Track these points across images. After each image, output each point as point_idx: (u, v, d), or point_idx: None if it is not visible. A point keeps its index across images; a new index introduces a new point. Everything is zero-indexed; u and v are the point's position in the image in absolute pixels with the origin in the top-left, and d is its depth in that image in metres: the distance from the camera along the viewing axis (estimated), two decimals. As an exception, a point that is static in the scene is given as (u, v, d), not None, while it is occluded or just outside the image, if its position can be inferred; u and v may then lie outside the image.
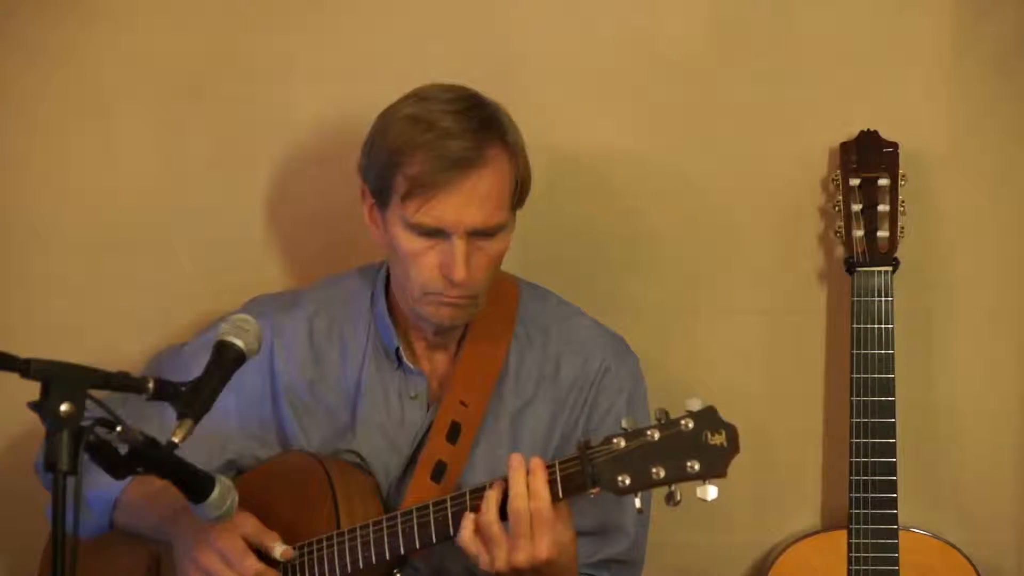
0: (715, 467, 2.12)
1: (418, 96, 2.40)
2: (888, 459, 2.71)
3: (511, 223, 2.41)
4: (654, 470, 2.12)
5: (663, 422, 2.13)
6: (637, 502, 2.14)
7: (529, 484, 2.20)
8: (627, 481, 2.13)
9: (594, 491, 2.16)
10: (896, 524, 2.72)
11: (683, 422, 2.13)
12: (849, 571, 2.74)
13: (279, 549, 2.36)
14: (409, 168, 2.33)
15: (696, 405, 2.14)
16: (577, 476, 2.18)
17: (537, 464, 2.21)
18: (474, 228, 2.34)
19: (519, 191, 2.41)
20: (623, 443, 2.14)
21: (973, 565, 2.79)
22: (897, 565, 2.72)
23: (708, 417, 2.13)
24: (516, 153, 2.39)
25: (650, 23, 2.85)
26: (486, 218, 2.34)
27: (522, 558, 2.20)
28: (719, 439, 2.13)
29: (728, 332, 2.90)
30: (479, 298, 2.41)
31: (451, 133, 2.33)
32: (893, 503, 2.71)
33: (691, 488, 2.13)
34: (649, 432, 2.13)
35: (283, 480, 2.48)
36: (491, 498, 2.22)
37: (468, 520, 2.23)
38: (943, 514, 2.88)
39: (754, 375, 2.92)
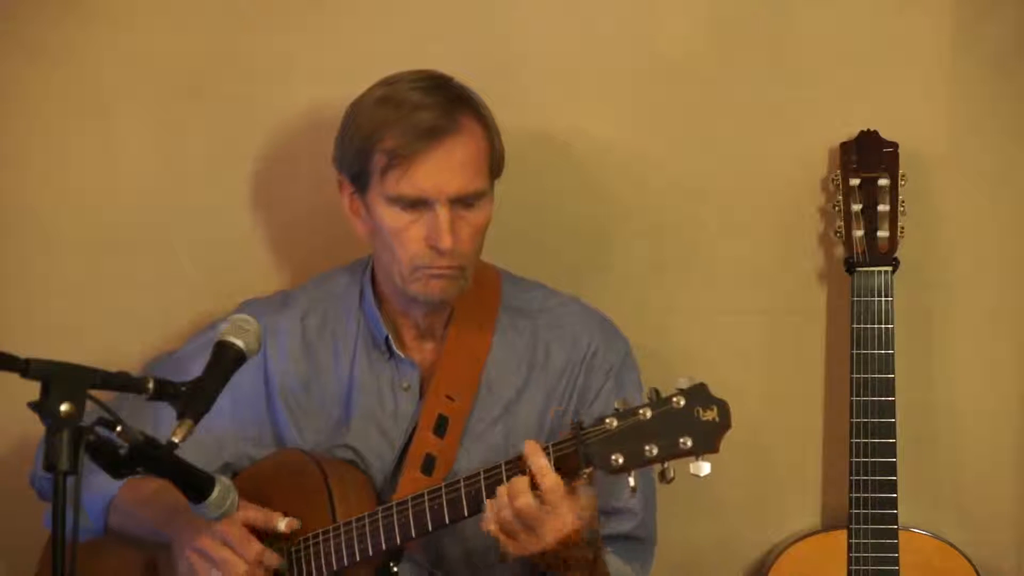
0: (708, 443, 2.13)
1: (384, 82, 2.46)
2: (888, 459, 2.71)
3: (490, 192, 2.45)
4: (647, 448, 2.13)
5: (655, 401, 2.14)
6: (631, 480, 2.15)
7: (532, 464, 2.19)
8: (620, 460, 2.14)
9: (588, 471, 2.17)
10: (896, 524, 2.72)
11: (674, 400, 2.13)
12: (849, 571, 2.74)
13: (283, 523, 2.39)
14: (385, 143, 2.38)
15: (686, 383, 2.14)
16: (571, 457, 2.18)
17: (532, 445, 2.21)
18: (455, 194, 2.38)
19: (495, 160, 2.45)
20: (615, 423, 2.14)
21: (973, 565, 2.79)
22: (897, 565, 2.72)
23: (699, 394, 2.14)
24: (488, 123, 2.44)
25: (650, 23, 2.85)
26: (465, 184, 2.38)
27: (551, 538, 2.20)
28: (711, 415, 2.13)
29: (728, 332, 2.90)
30: (467, 270, 2.43)
31: (422, 105, 2.39)
32: (893, 503, 2.71)
33: (684, 465, 2.13)
34: (641, 411, 2.14)
35: (278, 478, 2.49)
36: (502, 493, 2.21)
37: (489, 513, 2.22)
38: (943, 514, 2.88)
39: (754, 375, 2.91)
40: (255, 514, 2.40)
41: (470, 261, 2.43)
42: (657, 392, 2.15)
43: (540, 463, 2.19)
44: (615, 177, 2.88)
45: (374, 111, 2.41)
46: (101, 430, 1.92)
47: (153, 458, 2.01)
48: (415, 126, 2.37)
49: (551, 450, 2.21)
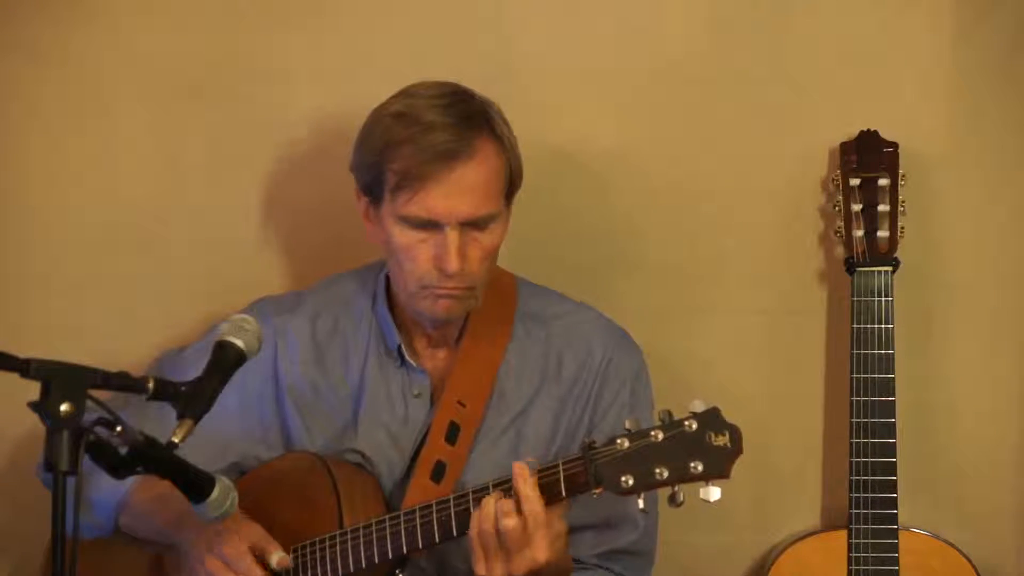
0: (718, 468, 2.13)
1: (405, 93, 2.43)
2: (888, 459, 2.71)
3: (503, 215, 2.43)
4: (657, 471, 2.13)
5: (667, 423, 2.14)
6: (640, 502, 2.15)
7: (519, 490, 2.20)
8: (630, 482, 2.14)
9: (597, 491, 2.17)
10: (896, 524, 2.72)
11: (687, 423, 2.13)
12: (849, 571, 2.74)
13: (275, 557, 2.37)
14: (396, 163, 2.36)
15: (700, 407, 2.14)
16: (580, 476, 2.18)
17: (521, 469, 2.21)
18: (465, 218, 2.36)
19: (510, 182, 2.43)
20: (627, 444, 2.14)
21: (973, 565, 2.79)
22: (897, 565, 2.72)
23: (712, 418, 2.14)
24: (504, 144, 2.41)
25: (650, 23, 2.85)
26: (476, 208, 2.36)
27: (522, 567, 2.21)
28: (722, 440, 2.13)
29: (728, 332, 2.90)
30: (476, 290, 2.42)
31: (436, 126, 2.35)
32: (893, 503, 2.71)
33: (694, 489, 2.13)
34: (653, 433, 2.14)
35: (286, 480, 2.49)
36: (488, 508, 2.21)
37: (474, 524, 2.23)
38: (943, 514, 2.88)
39: (754, 375, 2.91)
40: (257, 538, 2.39)
41: (479, 281, 2.42)
42: (670, 414, 2.15)
43: (526, 491, 2.19)
44: (615, 178, 2.88)
45: (388, 126, 2.38)
46: (101, 430, 1.92)
47: (153, 458, 2.01)
48: (428, 148, 2.34)
49: (561, 468, 2.21)
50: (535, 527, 2.19)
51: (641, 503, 2.15)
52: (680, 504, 2.13)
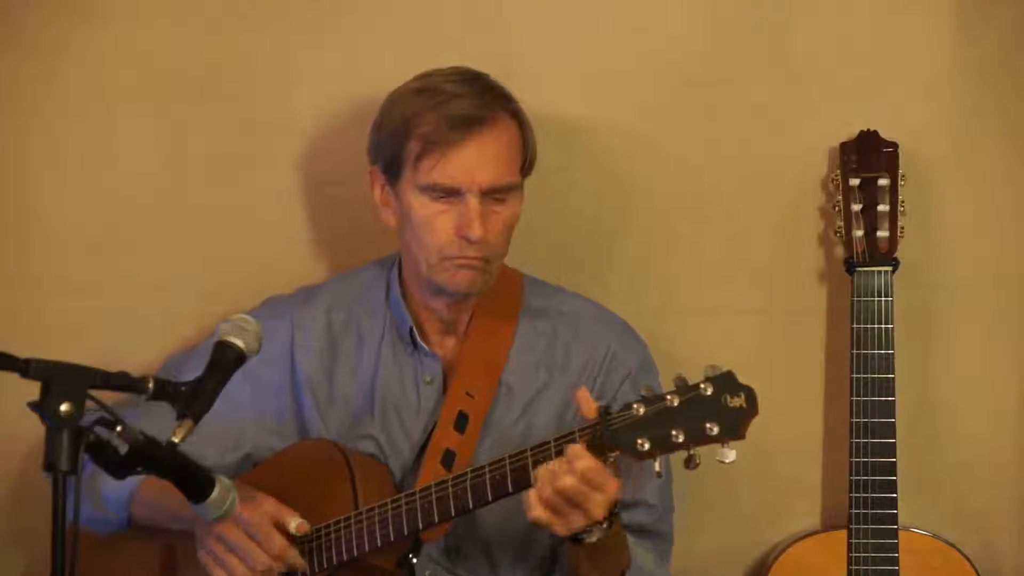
0: (734, 429, 2.14)
1: (422, 76, 2.49)
2: (888, 459, 2.71)
3: (520, 189, 2.47)
4: (673, 433, 2.13)
5: (682, 387, 2.15)
6: (656, 466, 2.15)
7: (567, 452, 2.19)
8: (647, 445, 2.14)
9: (614, 454, 2.18)
10: (896, 524, 2.72)
11: (702, 386, 2.15)
12: (849, 571, 2.74)
13: (294, 523, 2.40)
14: (420, 130, 2.41)
15: (714, 371, 2.15)
16: (597, 441, 2.19)
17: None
18: (487, 186, 2.40)
19: (527, 157, 2.48)
20: (642, 409, 2.15)
21: (973, 565, 2.79)
22: (897, 565, 2.72)
23: (727, 381, 2.16)
24: (522, 119, 2.48)
25: (650, 23, 2.85)
26: (497, 176, 2.41)
27: (599, 510, 2.20)
28: (738, 401, 2.14)
29: (728, 332, 2.90)
30: (492, 264, 2.46)
31: (458, 95, 2.42)
32: (893, 503, 2.71)
33: (710, 452, 2.14)
34: (669, 397, 2.15)
35: (302, 466, 2.51)
36: (543, 476, 2.20)
37: (533, 499, 2.21)
38: (943, 514, 2.88)
39: (754, 375, 2.90)
40: (271, 507, 2.40)
41: (496, 255, 2.46)
42: (685, 380, 2.16)
43: (573, 449, 2.18)
44: (615, 177, 2.88)
45: (411, 100, 2.44)
46: (101, 430, 1.92)
47: (153, 458, 2.01)
48: (451, 115, 2.40)
49: (577, 435, 2.21)
50: (599, 477, 2.18)
51: (657, 466, 2.15)
52: (696, 466, 2.14)
